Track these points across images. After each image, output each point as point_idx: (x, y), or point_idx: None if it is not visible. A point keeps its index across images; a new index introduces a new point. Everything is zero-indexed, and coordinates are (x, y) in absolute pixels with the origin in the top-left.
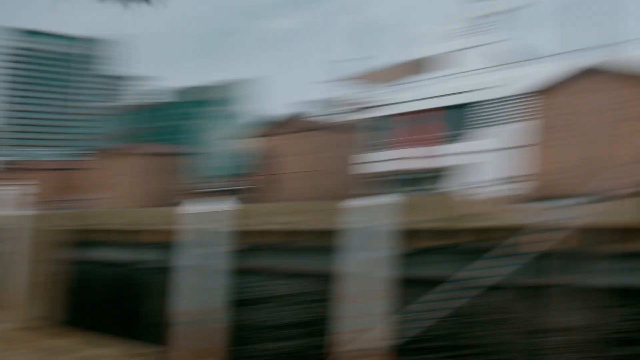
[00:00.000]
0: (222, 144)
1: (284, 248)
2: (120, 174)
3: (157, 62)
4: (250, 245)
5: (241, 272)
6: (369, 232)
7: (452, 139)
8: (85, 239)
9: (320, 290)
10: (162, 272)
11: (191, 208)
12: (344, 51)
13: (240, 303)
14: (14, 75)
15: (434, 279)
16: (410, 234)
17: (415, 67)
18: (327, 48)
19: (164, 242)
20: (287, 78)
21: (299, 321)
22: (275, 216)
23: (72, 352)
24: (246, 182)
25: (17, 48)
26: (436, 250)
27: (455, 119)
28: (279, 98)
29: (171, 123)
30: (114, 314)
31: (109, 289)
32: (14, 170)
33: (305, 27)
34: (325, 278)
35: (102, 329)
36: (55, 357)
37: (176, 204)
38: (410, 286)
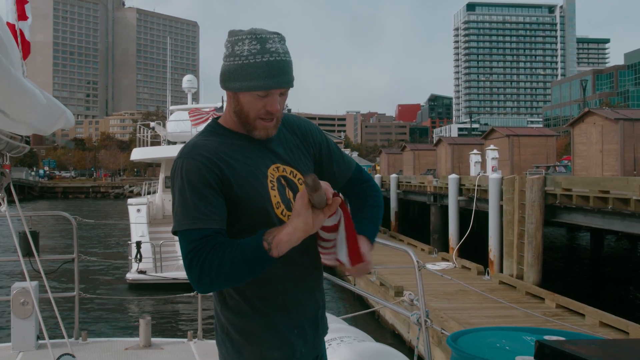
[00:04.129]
0: None
1: None
2: (592, 140)
3: (606, 23)
4: None
5: None
6: None
7: None
8: (557, 203)
9: None
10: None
11: None
12: None
13: None
14: (466, 47)
15: None
16: None
17: None
18: None
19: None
20: None
21: None
22: None
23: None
24: None
25: (465, 22)
26: None
27: None
28: None
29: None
30: (585, 281)
31: (579, 254)
32: (484, 137)
33: None
34: None
35: (573, 294)
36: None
37: None
38: None
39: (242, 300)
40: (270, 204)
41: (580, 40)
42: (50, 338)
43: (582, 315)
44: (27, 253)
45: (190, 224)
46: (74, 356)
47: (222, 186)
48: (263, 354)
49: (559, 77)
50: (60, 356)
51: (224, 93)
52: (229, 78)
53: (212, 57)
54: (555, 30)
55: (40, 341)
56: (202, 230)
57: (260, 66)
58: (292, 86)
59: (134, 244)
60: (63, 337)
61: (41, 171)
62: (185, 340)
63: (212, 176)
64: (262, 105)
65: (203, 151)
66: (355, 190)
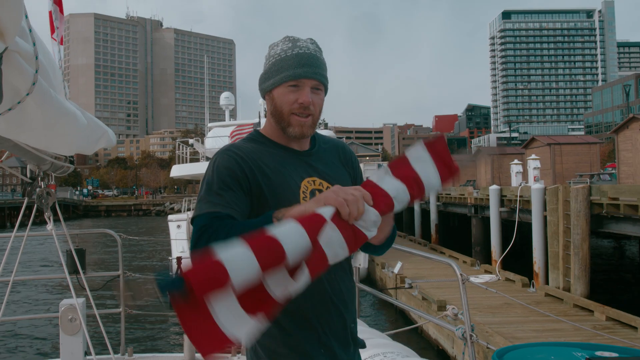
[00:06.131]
0: None
1: None
2: (637, 147)
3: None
4: None
5: None
6: None
7: None
8: (604, 213)
9: None
10: None
11: None
12: None
13: None
14: (503, 56)
15: None
16: None
17: None
18: None
19: None
20: None
21: None
22: None
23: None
24: None
25: (500, 30)
26: None
27: None
28: None
29: None
30: (636, 293)
31: (628, 265)
32: (525, 146)
33: None
34: None
35: (623, 306)
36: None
37: None
38: None
39: None
40: None
41: (621, 45)
42: (97, 354)
43: (634, 328)
44: (74, 270)
45: (209, 208)
46: None
47: (249, 185)
48: None
49: (600, 83)
50: None
51: (261, 109)
52: (264, 79)
53: (248, 74)
54: (595, 35)
55: (87, 357)
56: (217, 213)
57: (290, 58)
58: (322, 81)
59: (175, 260)
60: (109, 353)
61: (85, 190)
62: (229, 355)
63: (241, 171)
64: (294, 98)
65: (238, 150)
66: None
